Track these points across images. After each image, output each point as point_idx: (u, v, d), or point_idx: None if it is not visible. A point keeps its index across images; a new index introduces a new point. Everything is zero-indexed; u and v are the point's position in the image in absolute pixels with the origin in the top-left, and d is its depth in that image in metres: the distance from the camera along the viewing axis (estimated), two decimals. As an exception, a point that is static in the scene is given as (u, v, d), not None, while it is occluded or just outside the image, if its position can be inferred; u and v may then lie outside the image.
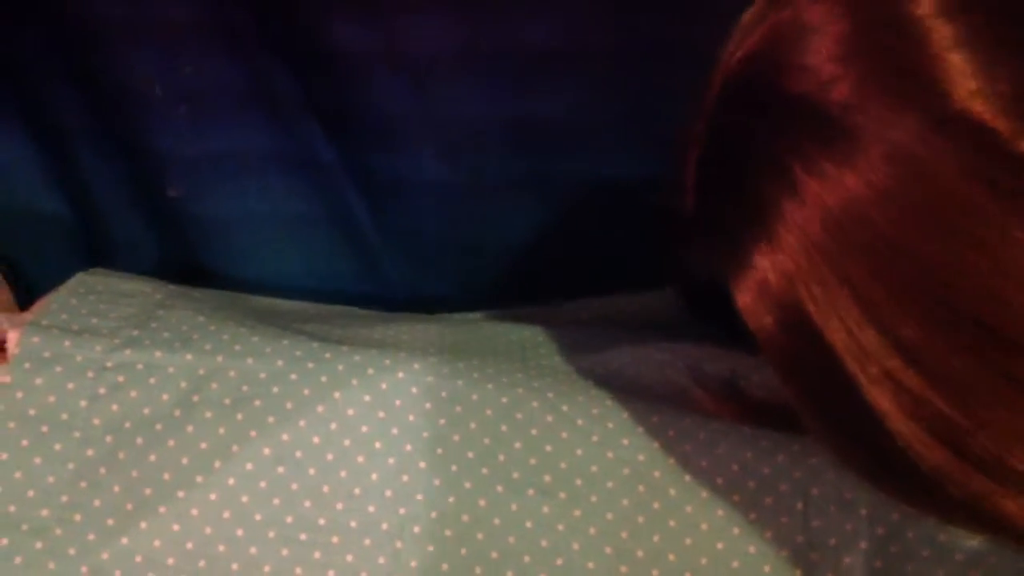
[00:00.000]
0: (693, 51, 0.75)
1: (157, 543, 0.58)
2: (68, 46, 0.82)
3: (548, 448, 0.60)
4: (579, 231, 0.86)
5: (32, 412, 0.59)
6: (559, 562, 0.58)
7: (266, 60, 0.82)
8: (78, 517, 0.58)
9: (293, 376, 0.61)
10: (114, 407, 0.59)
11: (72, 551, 0.57)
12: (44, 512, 0.57)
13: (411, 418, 0.61)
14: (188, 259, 0.90)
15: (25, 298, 0.92)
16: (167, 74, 0.82)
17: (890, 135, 0.48)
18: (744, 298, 0.52)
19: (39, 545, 0.57)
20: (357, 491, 0.59)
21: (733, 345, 0.70)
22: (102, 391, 0.60)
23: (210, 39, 0.81)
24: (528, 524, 0.59)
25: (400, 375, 0.62)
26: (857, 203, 0.48)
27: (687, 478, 0.60)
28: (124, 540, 0.57)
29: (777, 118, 0.51)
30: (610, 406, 0.62)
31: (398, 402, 0.61)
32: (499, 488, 0.59)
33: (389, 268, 0.89)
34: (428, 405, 0.61)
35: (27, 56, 0.84)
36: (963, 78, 0.48)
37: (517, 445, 0.60)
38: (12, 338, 0.62)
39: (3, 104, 0.86)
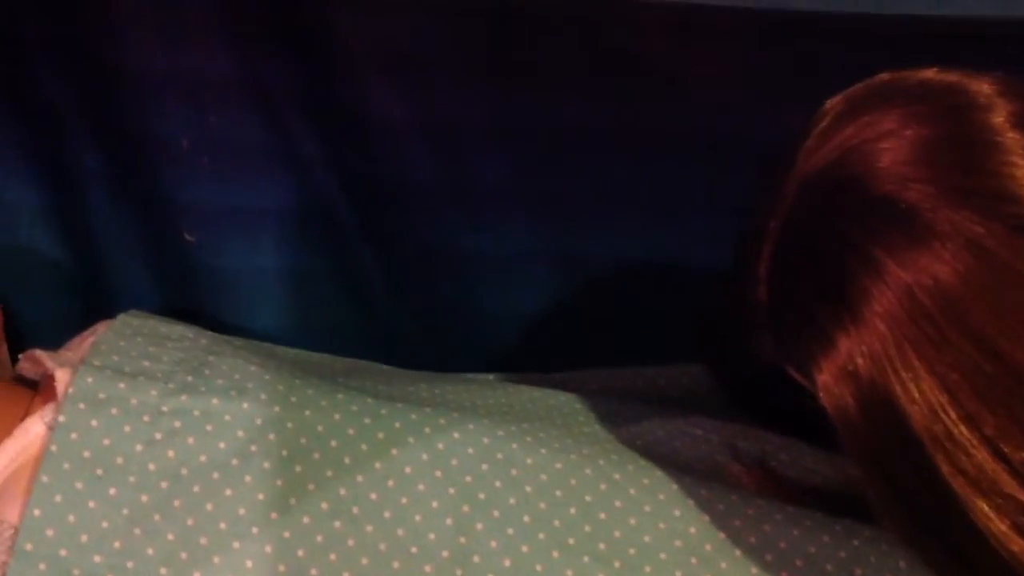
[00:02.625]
0: (711, 142, 0.78)
1: (212, 594, 0.56)
2: (94, 88, 0.82)
3: (602, 516, 0.61)
4: (590, 308, 0.87)
5: (87, 454, 0.58)
6: (615, 631, 0.58)
7: (295, 119, 0.82)
8: (131, 564, 0.56)
9: (351, 431, 0.61)
10: (170, 453, 0.58)
11: (124, 599, 0.55)
12: (97, 558, 0.56)
13: (468, 479, 0.61)
14: (191, 310, 0.88)
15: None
16: (194, 125, 0.82)
17: (974, 235, 0.50)
18: (825, 379, 0.53)
19: (91, 591, 0.55)
20: (414, 550, 0.59)
21: (760, 425, 0.72)
22: (158, 436, 0.59)
23: (240, 94, 0.81)
24: (584, 592, 0.59)
25: (456, 435, 0.62)
26: (946, 293, 0.50)
27: (737, 553, 0.61)
28: (178, 589, 0.56)
29: (860, 214, 0.53)
30: (660, 477, 0.63)
31: (455, 462, 0.61)
32: (555, 554, 0.59)
33: (396, 331, 0.89)
34: (484, 466, 0.61)
35: (50, 95, 0.83)
36: None
37: (572, 511, 0.61)
38: (61, 377, 0.61)
39: (22, 144, 0.85)
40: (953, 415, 0.50)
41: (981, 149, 0.53)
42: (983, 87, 0.55)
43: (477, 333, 0.87)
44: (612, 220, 0.84)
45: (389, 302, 0.88)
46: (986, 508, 0.49)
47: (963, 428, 0.50)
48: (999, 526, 0.49)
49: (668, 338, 0.80)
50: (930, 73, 0.57)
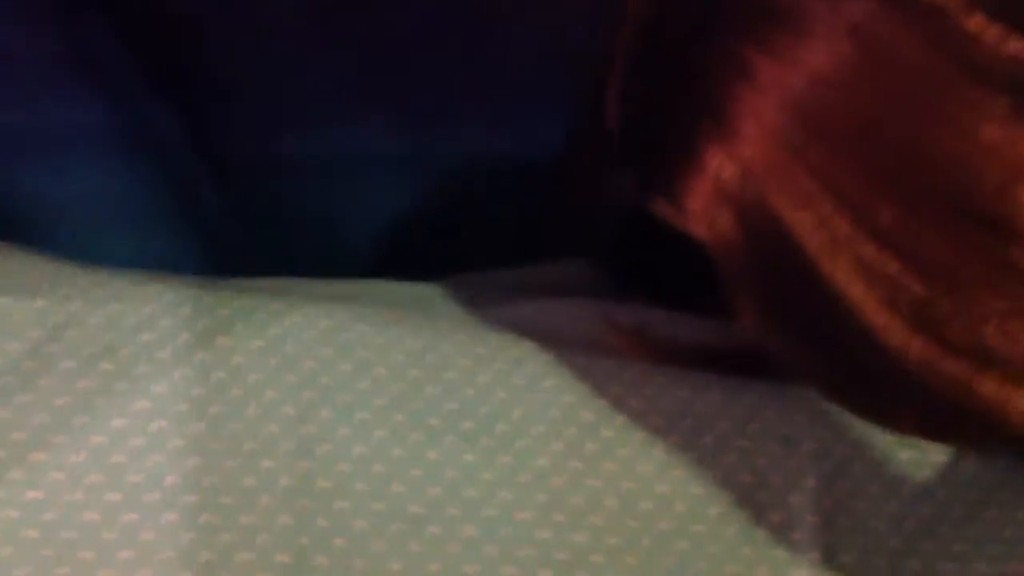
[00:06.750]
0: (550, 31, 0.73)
1: (13, 513, 0.48)
2: None
3: (467, 392, 0.54)
4: (452, 209, 0.81)
5: None
6: (489, 513, 0.51)
7: (87, 19, 0.73)
8: (-92, 487, 0.47)
9: (165, 321, 0.53)
10: None
11: (-99, 527, 0.47)
12: None
13: (309, 364, 0.53)
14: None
15: None
16: None
17: (846, 12, 0.45)
18: (695, 203, 0.48)
19: None
20: (251, 445, 0.51)
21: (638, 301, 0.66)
22: None
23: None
24: (451, 474, 0.52)
25: (293, 319, 0.54)
26: (819, 81, 0.45)
27: (620, 419, 0.54)
28: (-31, 511, 0.47)
29: (719, 6, 0.48)
30: (528, 348, 0.56)
31: (291, 347, 0.53)
32: (415, 436, 0.52)
33: (238, 257, 0.81)
34: (328, 350, 0.53)
35: None
36: None
37: (432, 390, 0.53)
38: None
39: None
40: (837, 213, 0.44)
41: None
42: None
43: (326, 246, 0.80)
44: (459, 115, 0.77)
45: (225, 221, 0.80)
46: (876, 304, 0.44)
47: (853, 227, 0.44)
48: (894, 322, 0.44)
49: (538, 236, 0.74)
50: None
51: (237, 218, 0.80)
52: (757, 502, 0.54)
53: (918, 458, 0.55)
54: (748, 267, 0.48)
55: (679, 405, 0.55)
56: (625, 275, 0.68)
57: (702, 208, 0.48)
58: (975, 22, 0.45)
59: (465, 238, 0.80)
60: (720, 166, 0.47)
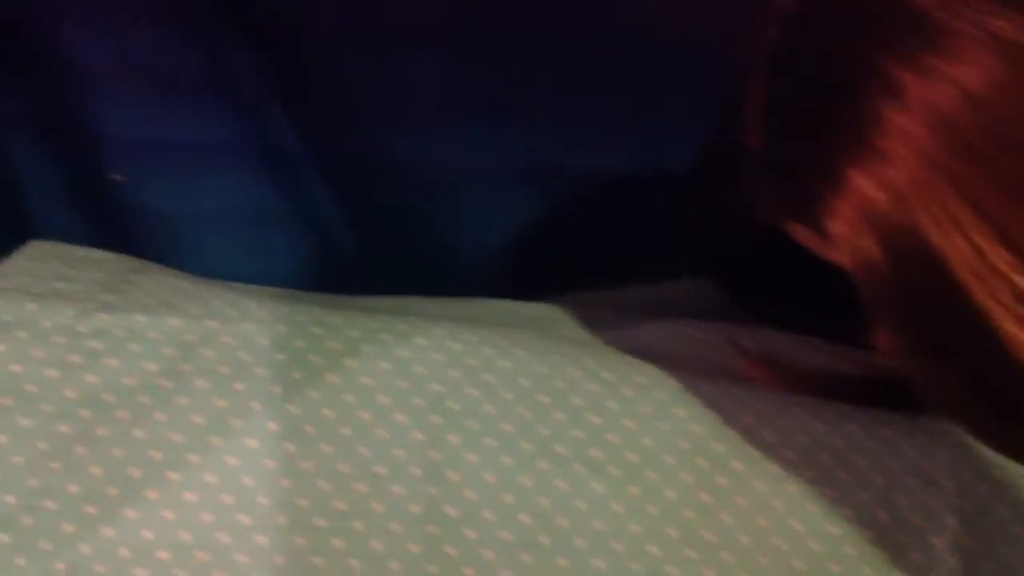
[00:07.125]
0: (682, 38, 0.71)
1: (147, 534, 0.48)
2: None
3: (595, 420, 0.53)
4: (575, 225, 0.80)
5: None
6: (617, 547, 0.50)
7: (220, 38, 0.74)
8: (50, 504, 0.48)
9: (299, 342, 0.53)
10: (90, 377, 0.50)
11: (45, 544, 0.47)
12: (10, 499, 0.48)
13: (437, 388, 0.53)
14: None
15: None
16: (110, 50, 0.74)
17: (992, 28, 0.43)
18: (838, 227, 0.46)
19: (5, 538, 0.47)
20: (381, 470, 0.51)
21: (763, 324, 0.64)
22: (76, 359, 0.51)
23: (158, 14, 0.74)
24: (580, 504, 0.51)
25: (420, 341, 0.54)
26: (968, 99, 0.42)
27: (753, 451, 0.53)
28: (107, 531, 0.48)
29: (865, 25, 0.46)
30: (656, 375, 0.55)
31: (420, 370, 0.53)
32: (543, 464, 0.51)
33: (361, 270, 0.82)
34: (455, 373, 0.53)
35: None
36: None
37: (559, 416, 0.53)
38: (-39, 303, 0.52)
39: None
40: (994, 242, 0.42)
41: None
42: None
43: (445, 259, 0.79)
44: (582, 128, 0.77)
45: (348, 240, 0.80)
46: None
47: (1009, 256, 0.42)
48: None
49: (663, 255, 0.72)
50: None
51: (359, 229, 0.80)
52: (895, 542, 0.52)
53: (1063, 499, 0.53)
54: (892, 292, 0.46)
55: (813, 438, 0.54)
56: (752, 297, 0.66)
57: (845, 232, 0.46)
58: None
59: (588, 255, 0.79)
60: (867, 189, 0.45)
